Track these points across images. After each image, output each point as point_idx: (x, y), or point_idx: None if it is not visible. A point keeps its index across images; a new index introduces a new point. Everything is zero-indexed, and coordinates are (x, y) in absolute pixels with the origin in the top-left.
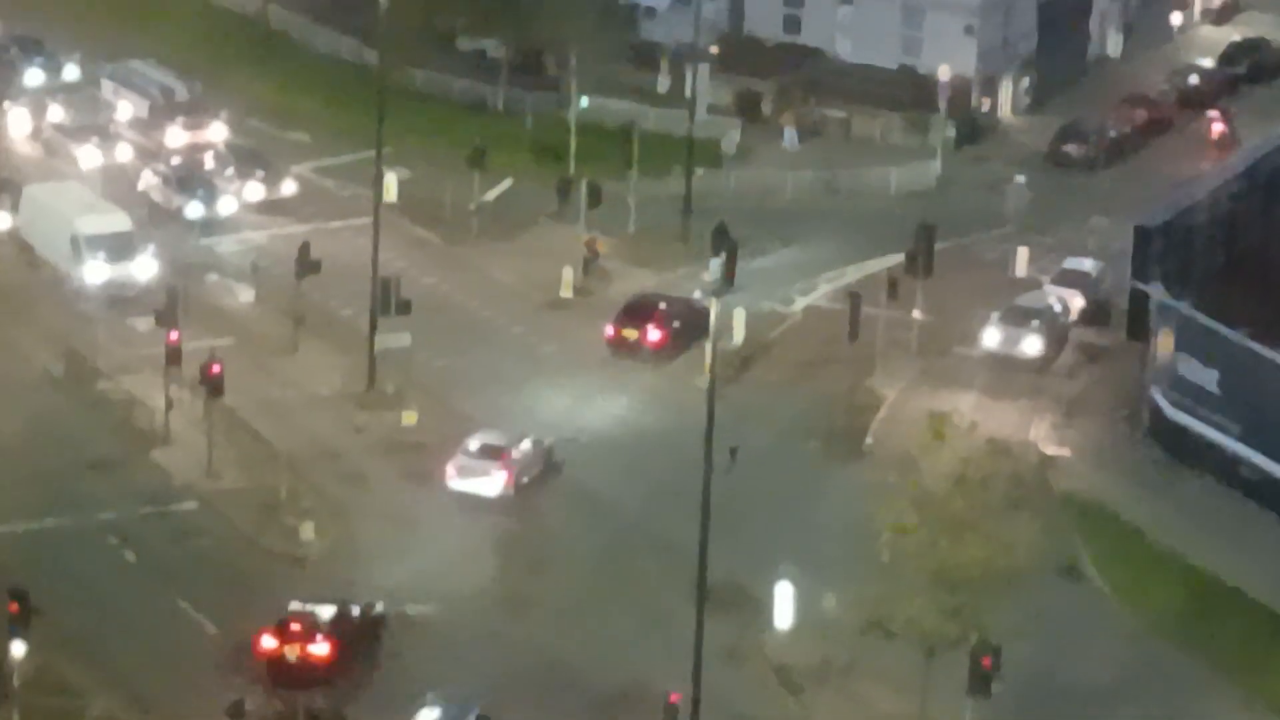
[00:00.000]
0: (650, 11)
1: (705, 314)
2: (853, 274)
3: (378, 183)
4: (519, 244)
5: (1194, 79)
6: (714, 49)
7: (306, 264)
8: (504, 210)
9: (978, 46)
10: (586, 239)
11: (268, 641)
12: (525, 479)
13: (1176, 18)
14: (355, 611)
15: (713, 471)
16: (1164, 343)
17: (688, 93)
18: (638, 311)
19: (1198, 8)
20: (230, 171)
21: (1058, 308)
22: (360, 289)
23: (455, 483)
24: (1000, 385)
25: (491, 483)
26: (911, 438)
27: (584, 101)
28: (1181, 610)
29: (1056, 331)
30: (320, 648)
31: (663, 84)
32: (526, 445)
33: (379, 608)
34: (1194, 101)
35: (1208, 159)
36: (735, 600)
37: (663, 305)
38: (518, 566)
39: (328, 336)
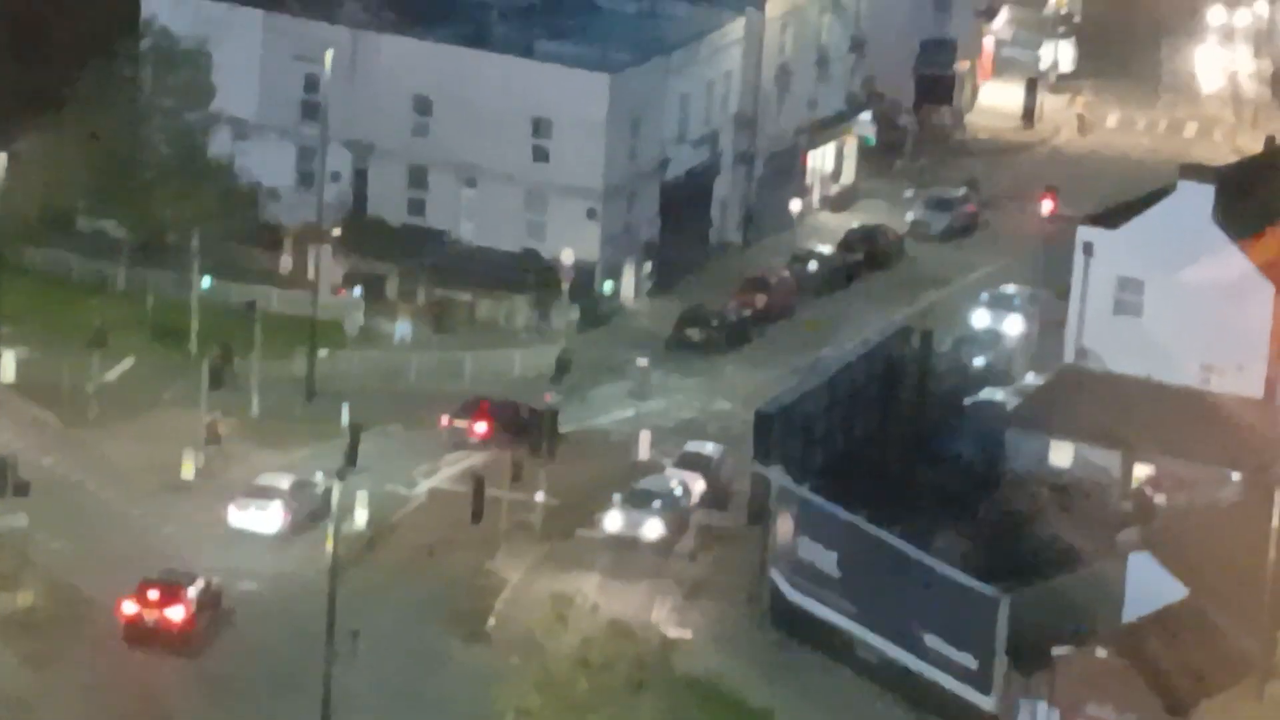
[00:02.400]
0: (274, 193)
1: (534, 416)
2: (477, 456)
3: None
4: (140, 425)
5: (813, 265)
6: (337, 230)
7: None
8: (124, 391)
9: (601, 231)
10: (208, 421)
11: (128, 607)
12: (302, 518)
13: (796, 205)
14: (202, 582)
15: (334, 655)
16: (784, 526)
17: (310, 274)
18: (471, 407)
19: (816, 195)
20: None
21: (679, 491)
22: None
23: (235, 519)
24: (622, 568)
25: (269, 519)
26: (534, 620)
27: (206, 282)
28: None
29: (678, 514)
30: (176, 611)
31: (285, 265)
32: (304, 486)
33: (216, 580)
34: (812, 287)
35: (1040, 234)
36: None
37: (491, 403)
38: None
39: None
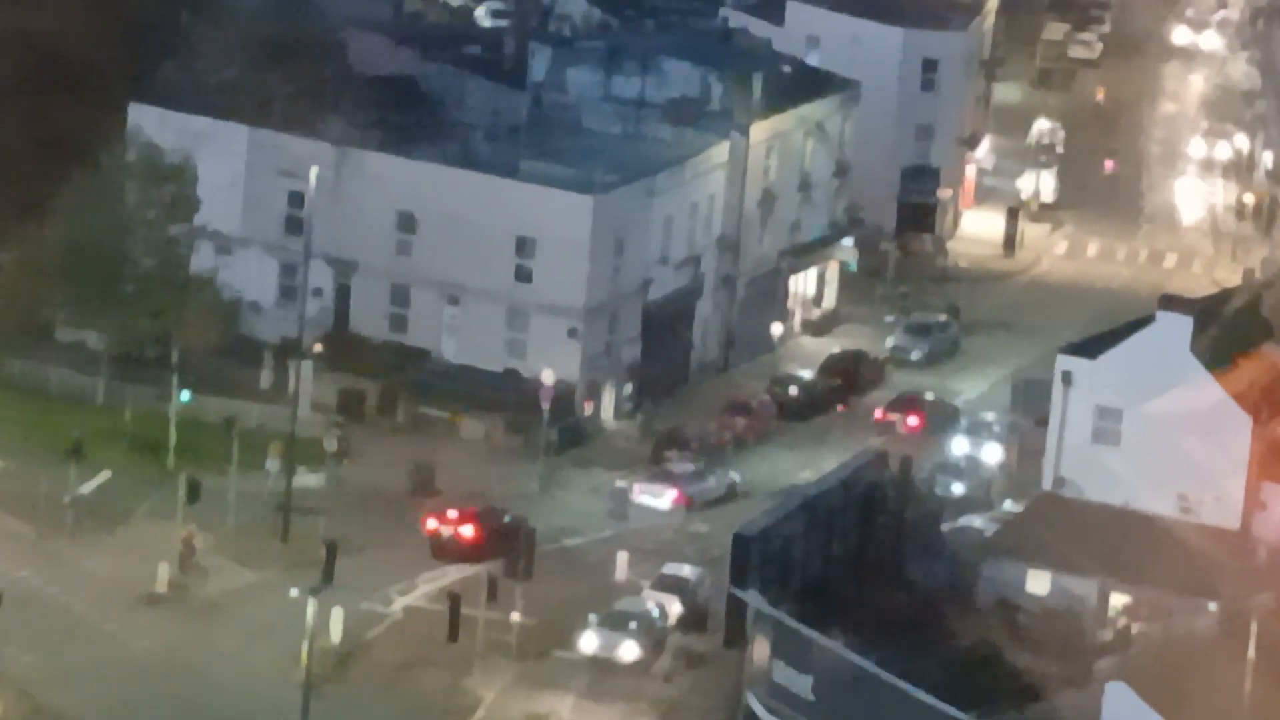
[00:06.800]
0: (255, 307)
1: (955, 411)
2: (453, 574)
3: None
4: (115, 538)
5: (793, 389)
6: (318, 346)
7: None
8: (101, 504)
9: (581, 351)
10: (184, 535)
11: (431, 523)
12: (699, 499)
13: (777, 328)
14: (505, 515)
15: None
16: (760, 649)
17: (290, 389)
18: (902, 403)
19: (798, 319)
20: None
21: (656, 612)
22: None
23: (638, 497)
24: (598, 689)
25: (665, 499)
26: None
27: (185, 396)
28: None
29: (654, 636)
30: (467, 530)
31: (265, 380)
32: (699, 475)
33: (521, 516)
34: (793, 411)
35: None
36: None
37: (918, 399)
38: None
39: None
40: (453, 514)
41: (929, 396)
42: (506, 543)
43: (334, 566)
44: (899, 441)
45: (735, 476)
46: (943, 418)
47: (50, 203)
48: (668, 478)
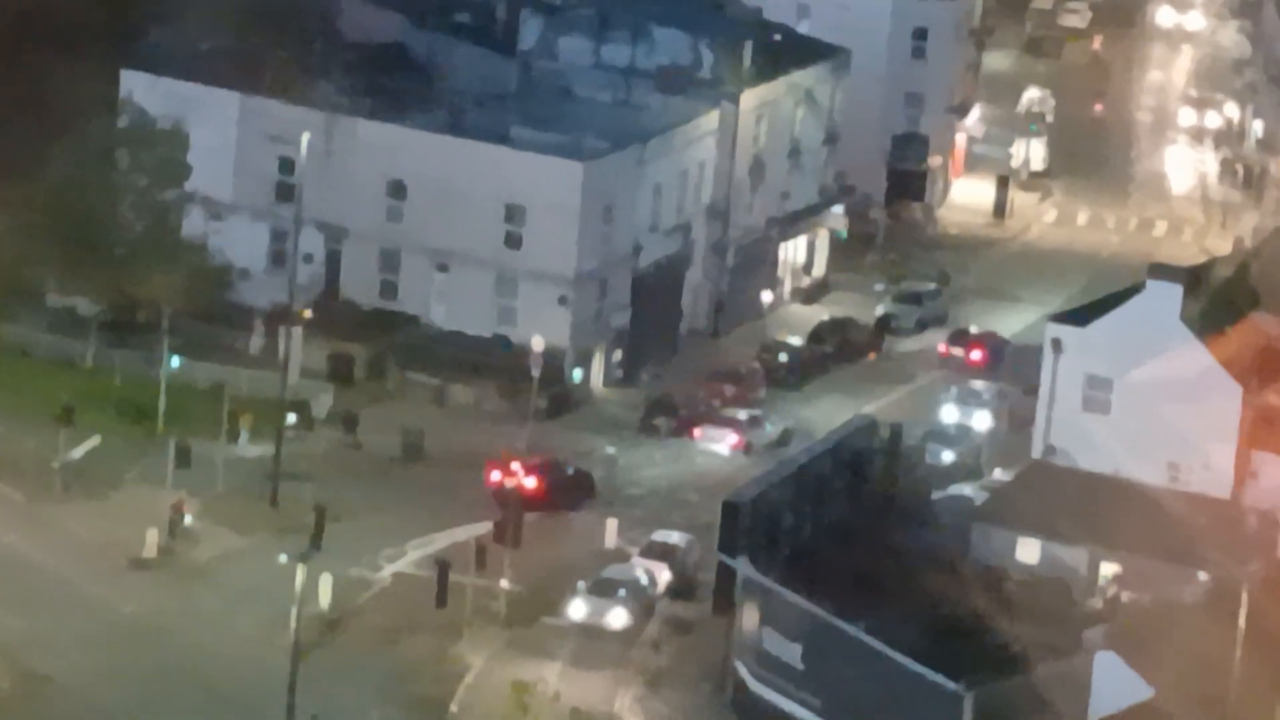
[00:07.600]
0: (246, 273)
1: (1003, 344)
2: (442, 541)
3: None
4: (105, 503)
5: (783, 356)
6: (308, 312)
7: None
8: (90, 469)
9: (571, 318)
10: (172, 500)
11: (494, 475)
12: (756, 444)
13: (767, 296)
14: (568, 467)
15: None
16: (749, 617)
17: (280, 355)
18: (962, 336)
19: (788, 286)
20: None
21: (645, 580)
22: None
23: (700, 441)
24: (586, 656)
25: (726, 442)
26: (496, 707)
27: (175, 361)
28: None
29: (643, 603)
30: (528, 481)
31: (255, 345)
32: (756, 421)
33: (582, 468)
34: (781, 378)
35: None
36: None
37: (975, 334)
38: None
39: None
40: (517, 466)
41: (974, 329)
42: (569, 494)
43: (323, 532)
44: (964, 373)
45: (790, 424)
46: (996, 348)
47: (40, 167)
48: (729, 423)
